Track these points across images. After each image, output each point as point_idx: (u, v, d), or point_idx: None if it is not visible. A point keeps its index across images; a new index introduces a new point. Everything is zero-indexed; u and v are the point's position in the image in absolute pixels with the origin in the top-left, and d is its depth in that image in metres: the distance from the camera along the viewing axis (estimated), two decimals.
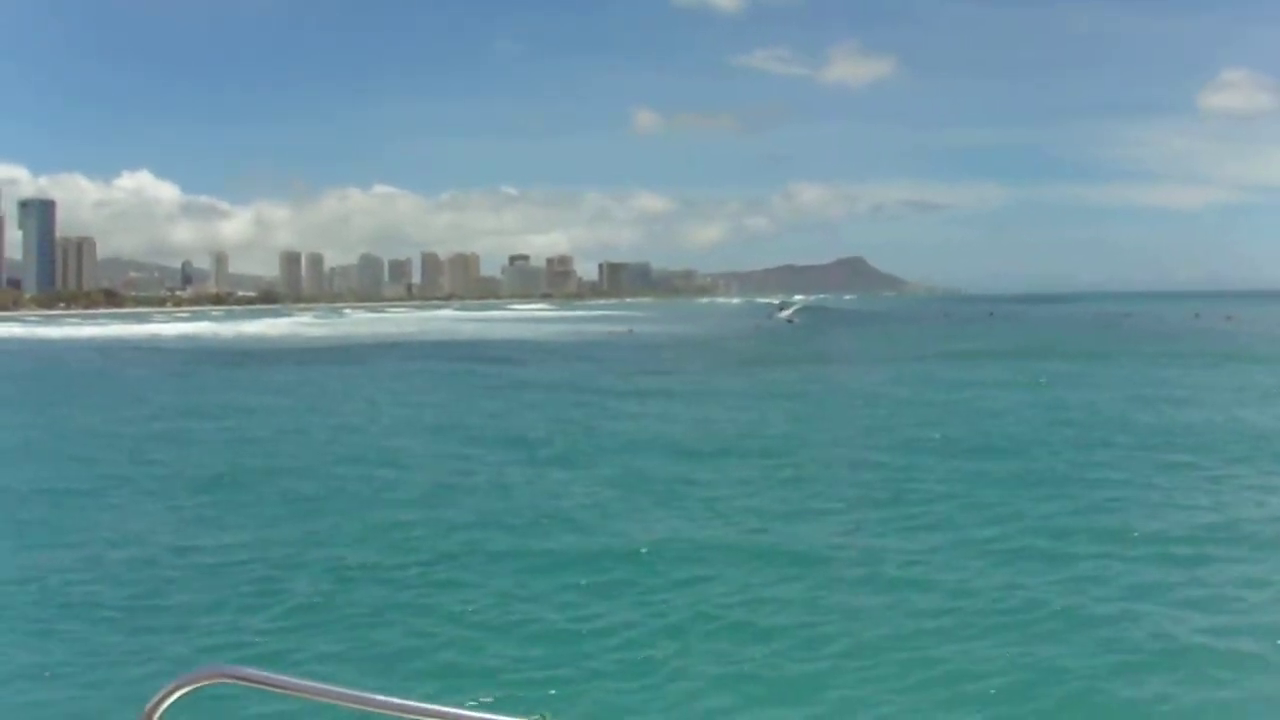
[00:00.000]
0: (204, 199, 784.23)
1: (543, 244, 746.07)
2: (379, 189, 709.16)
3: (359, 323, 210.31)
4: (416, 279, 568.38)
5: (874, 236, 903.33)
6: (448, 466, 34.10)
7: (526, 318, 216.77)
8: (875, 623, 18.12)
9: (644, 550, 22.46)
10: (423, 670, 15.62)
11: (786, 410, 47.88)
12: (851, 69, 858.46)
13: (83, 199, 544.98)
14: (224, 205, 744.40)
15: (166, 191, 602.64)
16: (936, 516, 25.95)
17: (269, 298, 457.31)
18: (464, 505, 27.73)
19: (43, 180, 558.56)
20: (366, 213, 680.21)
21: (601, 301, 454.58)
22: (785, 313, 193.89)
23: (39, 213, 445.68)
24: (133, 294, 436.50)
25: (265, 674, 3.68)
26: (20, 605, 18.39)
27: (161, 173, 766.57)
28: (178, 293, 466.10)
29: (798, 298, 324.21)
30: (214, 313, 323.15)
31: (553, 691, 14.75)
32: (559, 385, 61.76)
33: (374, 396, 55.95)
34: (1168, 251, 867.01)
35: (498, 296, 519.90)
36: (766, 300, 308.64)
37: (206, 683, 3.74)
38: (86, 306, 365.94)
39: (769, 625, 17.73)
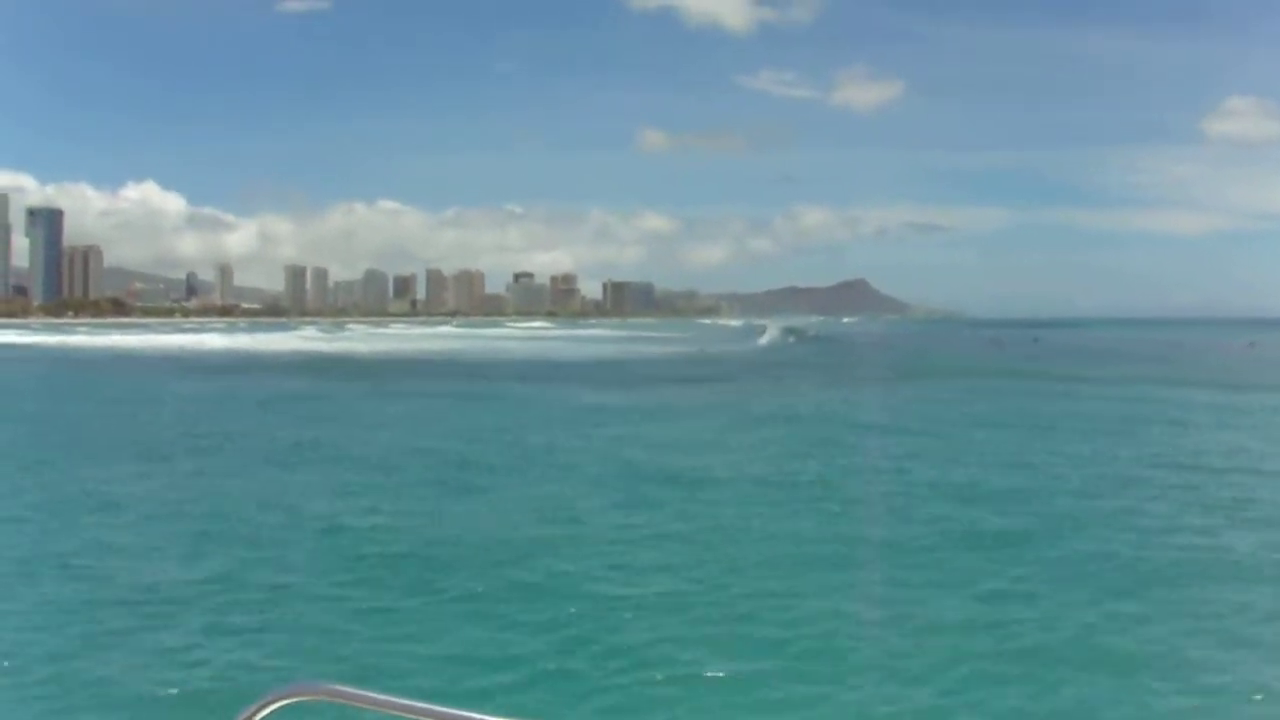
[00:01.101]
0: (209, 211, 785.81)
1: (546, 262, 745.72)
2: (384, 204, 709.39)
3: (405, 338, 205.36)
4: (421, 295, 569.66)
5: (877, 259, 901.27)
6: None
7: (583, 337, 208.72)
8: (873, 634, 17.84)
9: None
10: (523, 687, 15.40)
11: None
12: (858, 92, 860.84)
13: (88, 208, 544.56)
14: (229, 217, 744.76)
15: (172, 202, 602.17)
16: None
17: (274, 311, 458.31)
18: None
19: (49, 189, 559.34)
20: (371, 228, 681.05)
21: (607, 321, 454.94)
22: (763, 338, 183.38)
23: (46, 221, 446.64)
24: (139, 305, 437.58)
25: (357, 690, 3.64)
26: (109, 614, 18.34)
27: (167, 184, 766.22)
28: (184, 304, 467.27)
29: (795, 321, 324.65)
30: (241, 324, 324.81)
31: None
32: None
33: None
34: (1170, 278, 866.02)
35: (502, 314, 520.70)
36: (761, 322, 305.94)
37: (297, 699, 3.75)
38: (94, 316, 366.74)
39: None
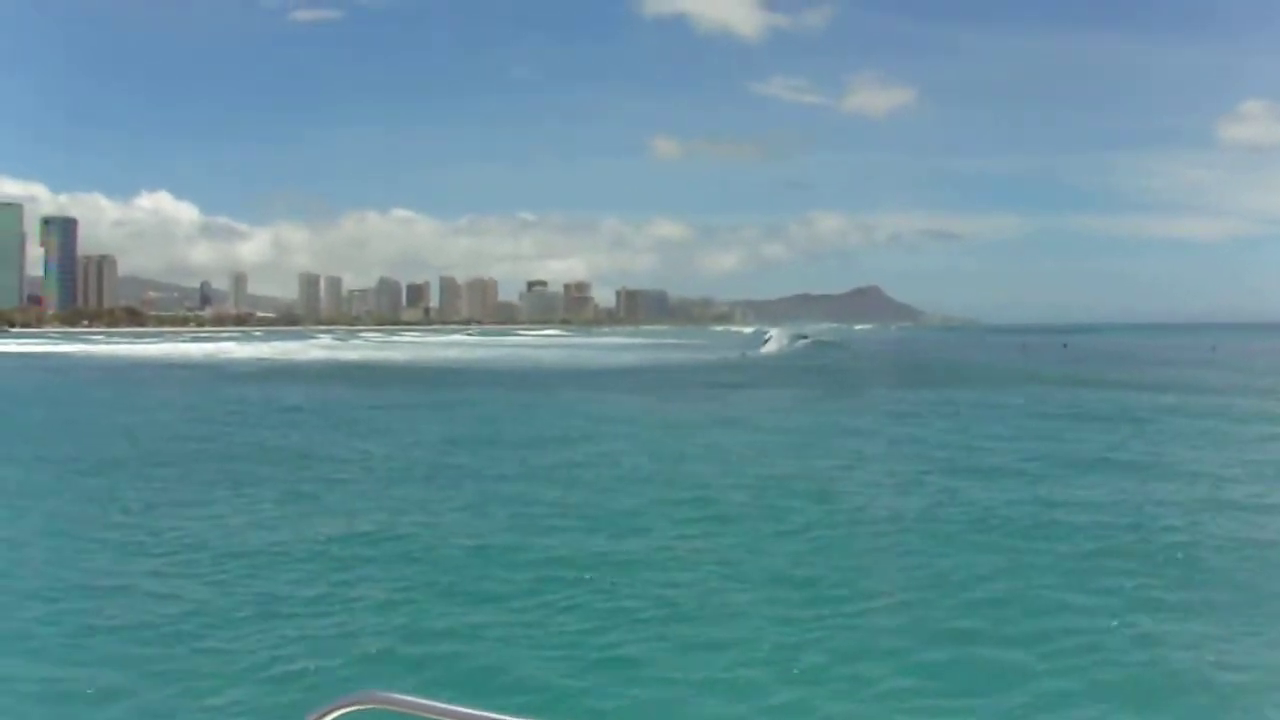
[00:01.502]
0: (222, 220, 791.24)
1: (560, 270, 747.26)
2: (397, 213, 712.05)
3: (428, 346, 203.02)
4: (434, 303, 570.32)
5: (890, 266, 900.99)
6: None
7: (611, 345, 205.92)
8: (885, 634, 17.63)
9: None
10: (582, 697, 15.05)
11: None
12: (871, 98, 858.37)
13: (102, 218, 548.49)
14: (242, 226, 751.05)
15: (185, 212, 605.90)
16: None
17: (289, 319, 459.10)
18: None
19: (62, 198, 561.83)
20: (384, 236, 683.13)
21: (620, 329, 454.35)
22: (767, 346, 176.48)
23: (61, 230, 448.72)
24: (153, 313, 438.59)
25: (417, 699, 3.58)
26: (171, 619, 18.02)
27: (180, 193, 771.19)
28: (198, 313, 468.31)
29: (808, 328, 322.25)
30: (256, 333, 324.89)
31: None
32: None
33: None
34: (1184, 283, 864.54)
35: (515, 322, 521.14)
36: (770, 329, 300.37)
37: (358, 707, 3.70)
38: (109, 325, 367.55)
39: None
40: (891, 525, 25.64)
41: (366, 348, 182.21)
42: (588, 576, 20.51)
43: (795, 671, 15.60)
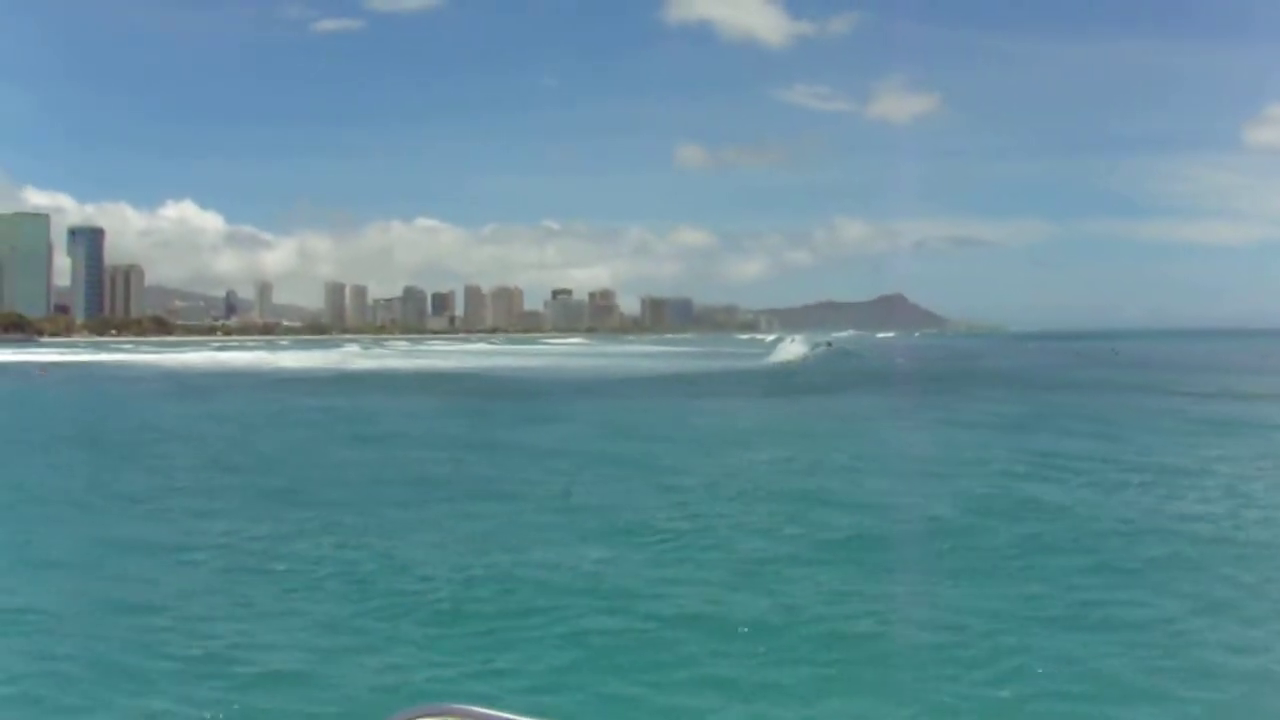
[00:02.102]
0: (247, 229, 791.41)
1: (584, 278, 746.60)
2: (421, 221, 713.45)
3: (469, 354, 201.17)
4: (459, 312, 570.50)
5: (915, 272, 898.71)
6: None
7: (643, 354, 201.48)
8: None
9: None
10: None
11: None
12: (896, 105, 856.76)
13: (127, 228, 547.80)
14: (267, 236, 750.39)
15: (210, 221, 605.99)
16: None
17: (316, 329, 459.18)
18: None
19: (88, 208, 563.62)
20: (409, 245, 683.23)
21: (646, 337, 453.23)
22: (783, 354, 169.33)
23: (88, 240, 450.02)
24: (180, 323, 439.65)
25: (484, 710, 3.57)
26: (239, 631, 17.82)
27: (205, 202, 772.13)
28: (225, 322, 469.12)
29: (832, 335, 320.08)
30: (283, 342, 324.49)
31: None
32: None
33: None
34: (1211, 287, 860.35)
35: (540, 330, 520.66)
36: (792, 335, 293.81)
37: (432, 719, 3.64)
38: (138, 334, 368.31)
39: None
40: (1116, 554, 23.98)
41: (411, 356, 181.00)
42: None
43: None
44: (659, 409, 60.85)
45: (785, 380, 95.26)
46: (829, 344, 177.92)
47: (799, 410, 58.33)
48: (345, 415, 59.43)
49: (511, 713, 3.47)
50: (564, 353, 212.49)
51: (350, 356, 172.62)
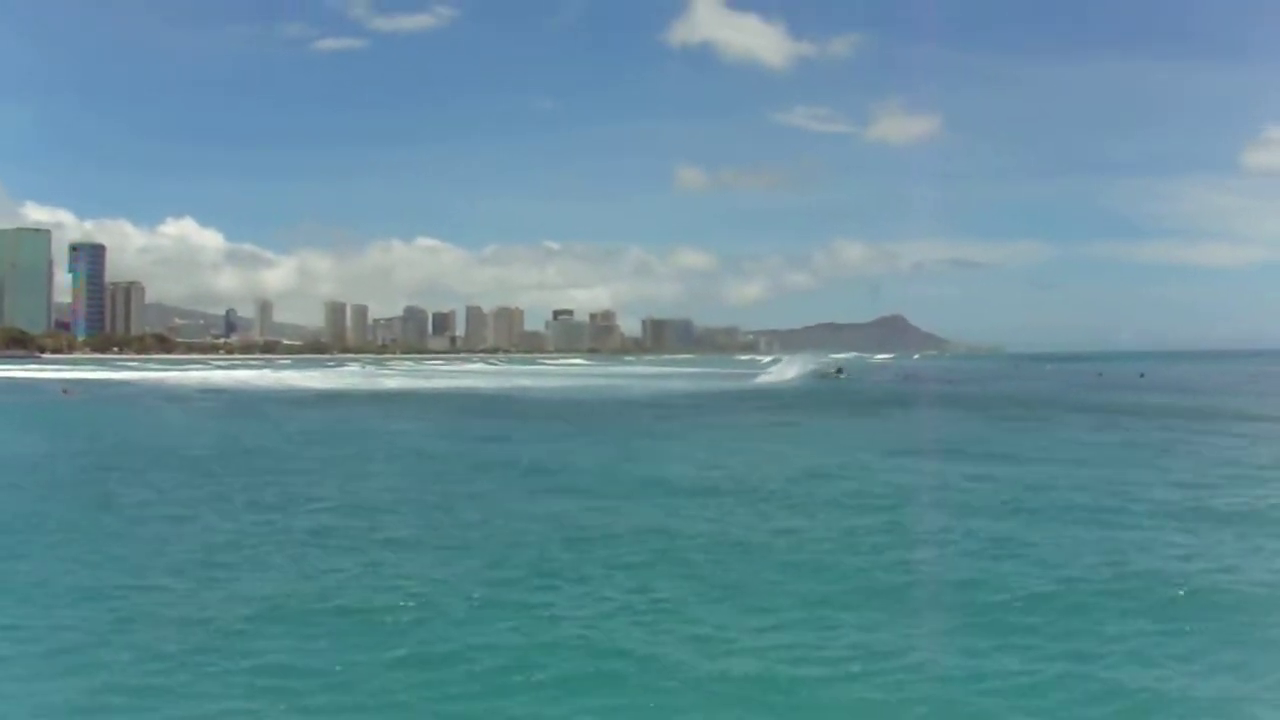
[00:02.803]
0: (247, 247, 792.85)
1: (585, 299, 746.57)
2: (422, 241, 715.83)
3: (481, 374, 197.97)
4: (460, 332, 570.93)
5: (915, 294, 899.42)
6: None
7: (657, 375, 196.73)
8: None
9: None
10: None
11: None
12: (895, 126, 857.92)
13: (127, 244, 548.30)
14: (267, 254, 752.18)
15: (210, 239, 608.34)
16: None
17: (316, 348, 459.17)
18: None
19: (88, 224, 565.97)
20: (409, 265, 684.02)
21: (646, 358, 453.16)
22: (767, 376, 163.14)
23: (89, 257, 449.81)
24: (181, 340, 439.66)
25: None
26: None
27: (205, 220, 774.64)
28: (227, 340, 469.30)
29: (834, 357, 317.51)
30: (283, 361, 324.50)
31: None
32: None
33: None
34: (1208, 309, 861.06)
35: (541, 351, 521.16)
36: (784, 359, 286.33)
37: None
38: (139, 351, 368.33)
39: None
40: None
41: (430, 377, 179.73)
42: None
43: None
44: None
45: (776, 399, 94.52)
46: (839, 371, 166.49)
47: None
48: (437, 434, 58.16)
49: None
50: (578, 373, 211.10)
51: (374, 377, 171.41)
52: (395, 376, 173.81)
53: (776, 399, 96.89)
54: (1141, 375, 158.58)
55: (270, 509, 29.55)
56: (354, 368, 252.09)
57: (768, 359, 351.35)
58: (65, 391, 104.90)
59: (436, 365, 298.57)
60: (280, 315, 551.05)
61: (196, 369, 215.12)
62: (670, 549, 24.57)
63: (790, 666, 15.94)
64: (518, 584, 21.04)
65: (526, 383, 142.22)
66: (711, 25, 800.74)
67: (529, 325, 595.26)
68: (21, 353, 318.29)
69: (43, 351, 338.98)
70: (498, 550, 24.10)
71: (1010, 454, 45.10)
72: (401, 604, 19.31)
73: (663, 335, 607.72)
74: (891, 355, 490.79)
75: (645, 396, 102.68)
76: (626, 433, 58.01)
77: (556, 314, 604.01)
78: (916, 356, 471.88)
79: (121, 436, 53.23)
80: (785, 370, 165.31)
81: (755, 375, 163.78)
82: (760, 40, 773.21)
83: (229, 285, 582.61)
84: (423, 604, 19.31)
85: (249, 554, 23.61)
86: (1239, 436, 55.86)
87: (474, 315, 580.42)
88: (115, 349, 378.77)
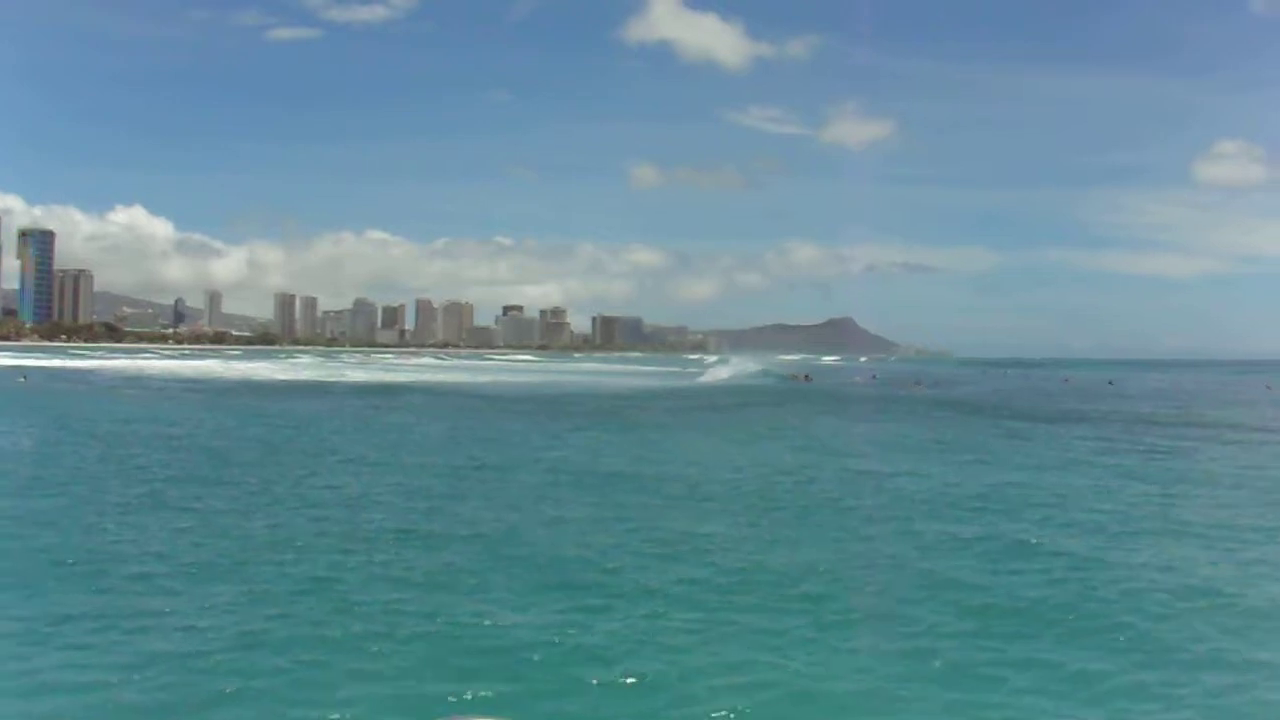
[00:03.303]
0: (198, 237, 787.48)
1: (536, 295, 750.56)
2: (372, 234, 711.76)
3: (437, 369, 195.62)
4: (409, 325, 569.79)
5: (865, 297, 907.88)
6: None
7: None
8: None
9: None
10: None
11: None
12: (850, 129, 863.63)
13: (76, 231, 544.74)
14: (217, 244, 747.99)
15: (160, 227, 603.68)
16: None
17: (266, 339, 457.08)
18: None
19: (37, 210, 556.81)
20: (359, 257, 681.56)
21: (596, 355, 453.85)
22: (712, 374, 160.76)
23: (38, 243, 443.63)
24: (129, 329, 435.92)
25: None
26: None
27: (155, 208, 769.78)
28: (176, 330, 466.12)
29: (778, 358, 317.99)
30: (233, 351, 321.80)
31: None
32: None
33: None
34: (1156, 320, 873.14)
35: (491, 346, 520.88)
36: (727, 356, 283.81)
37: None
38: (88, 340, 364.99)
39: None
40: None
41: (395, 369, 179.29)
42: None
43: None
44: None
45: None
46: (806, 377, 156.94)
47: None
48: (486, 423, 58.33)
49: None
50: (582, 370, 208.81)
51: (340, 369, 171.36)
52: (359, 369, 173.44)
53: (744, 396, 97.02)
54: (1110, 383, 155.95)
55: (330, 504, 29.84)
56: (307, 359, 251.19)
57: (712, 359, 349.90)
58: (24, 379, 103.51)
59: (387, 359, 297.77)
60: (229, 306, 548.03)
61: (152, 358, 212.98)
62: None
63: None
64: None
65: (503, 378, 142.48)
66: (669, 24, 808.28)
67: (479, 320, 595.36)
68: None
69: None
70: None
71: (1034, 463, 43.25)
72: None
73: (613, 333, 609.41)
74: (839, 358, 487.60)
75: (616, 391, 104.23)
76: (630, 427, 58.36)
77: (506, 309, 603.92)
78: (863, 359, 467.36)
79: (121, 426, 51.84)
80: (720, 371, 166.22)
81: (700, 374, 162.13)
82: (718, 40, 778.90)
83: (178, 275, 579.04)
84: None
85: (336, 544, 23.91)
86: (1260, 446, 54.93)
87: (423, 309, 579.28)
88: (64, 337, 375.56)
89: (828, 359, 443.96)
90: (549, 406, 76.23)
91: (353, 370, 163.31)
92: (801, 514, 28.59)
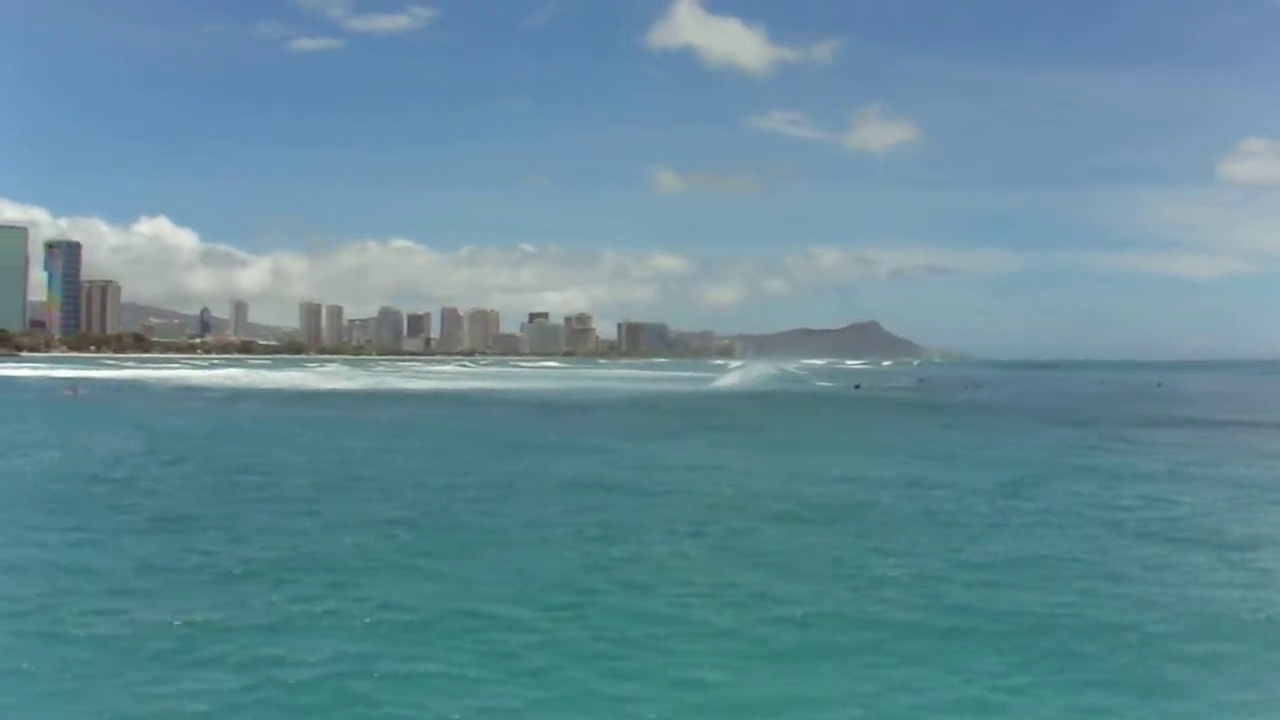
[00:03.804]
0: (222, 247, 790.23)
1: (559, 301, 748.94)
2: (396, 243, 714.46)
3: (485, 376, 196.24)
4: (435, 334, 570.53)
5: (889, 301, 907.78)
6: None
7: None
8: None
9: None
10: None
11: None
12: (873, 133, 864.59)
13: (101, 243, 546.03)
14: (241, 254, 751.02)
15: (184, 238, 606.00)
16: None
17: (292, 348, 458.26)
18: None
19: (62, 222, 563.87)
20: (384, 266, 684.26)
21: (622, 361, 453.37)
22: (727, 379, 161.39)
23: (65, 255, 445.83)
24: (157, 340, 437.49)
25: None
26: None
27: (180, 220, 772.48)
28: (203, 340, 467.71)
29: (803, 363, 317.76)
30: (252, 361, 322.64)
31: None
32: None
33: None
34: (1178, 320, 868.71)
35: (517, 353, 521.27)
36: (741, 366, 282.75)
37: None
38: (117, 350, 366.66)
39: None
40: None
41: (439, 377, 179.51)
42: None
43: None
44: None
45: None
46: (856, 386, 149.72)
47: None
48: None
49: None
50: (605, 375, 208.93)
51: (386, 377, 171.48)
52: (411, 378, 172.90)
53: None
54: (1160, 385, 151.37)
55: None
56: (333, 367, 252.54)
57: (735, 363, 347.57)
58: (74, 390, 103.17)
59: (416, 366, 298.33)
60: (255, 316, 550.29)
61: (192, 369, 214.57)
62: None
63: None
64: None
65: (546, 385, 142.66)
66: (693, 29, 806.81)
67: (504, 328, 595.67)
68: (2, 351, 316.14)
69: (20, 350, 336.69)
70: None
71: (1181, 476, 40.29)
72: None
73: (638, 339, 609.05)
74: (863, 361, 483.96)
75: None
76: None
77: (532, 316, 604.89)
78: (887, 364, 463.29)
79: (201, 440, 51.46)
80: (735, 376, 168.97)
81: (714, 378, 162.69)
82: (741, 45, 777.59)
83: (203, 285, 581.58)
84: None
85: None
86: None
87: (449, 317, 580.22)
88: (93, 348, 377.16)
89: (851, 362, 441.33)
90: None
91: (402, 380, 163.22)
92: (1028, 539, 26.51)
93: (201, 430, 57.95)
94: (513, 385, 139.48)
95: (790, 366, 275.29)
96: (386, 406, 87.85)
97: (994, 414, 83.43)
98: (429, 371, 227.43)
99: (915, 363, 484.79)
